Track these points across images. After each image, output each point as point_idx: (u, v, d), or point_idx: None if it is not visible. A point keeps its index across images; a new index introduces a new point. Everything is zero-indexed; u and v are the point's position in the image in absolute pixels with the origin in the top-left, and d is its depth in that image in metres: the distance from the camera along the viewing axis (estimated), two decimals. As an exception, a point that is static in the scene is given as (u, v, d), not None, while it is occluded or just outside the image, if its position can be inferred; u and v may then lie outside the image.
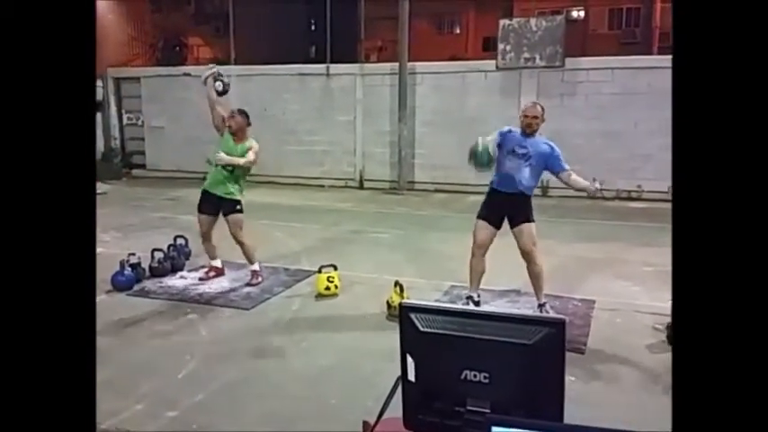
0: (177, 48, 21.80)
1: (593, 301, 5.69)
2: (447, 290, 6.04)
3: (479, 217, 5.26)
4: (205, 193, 6.25)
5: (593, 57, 14.10)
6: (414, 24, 16.63)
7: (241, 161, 5.98)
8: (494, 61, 12.91)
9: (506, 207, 5.11)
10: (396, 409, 1.82)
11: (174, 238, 7.02)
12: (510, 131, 5.17)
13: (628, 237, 8.69)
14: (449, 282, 6.18)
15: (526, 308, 5.46)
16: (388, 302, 5.30)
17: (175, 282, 6.36)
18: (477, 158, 4.98)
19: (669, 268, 1.48)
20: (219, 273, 6.48)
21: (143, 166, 16.24)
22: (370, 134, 14.11)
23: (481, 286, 5.45)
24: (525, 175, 5.08)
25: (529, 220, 5.15)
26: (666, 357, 4.44)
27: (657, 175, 11.51)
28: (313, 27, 24.40)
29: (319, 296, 5.86)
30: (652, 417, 3.48)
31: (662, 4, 19.57)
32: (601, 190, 5.14)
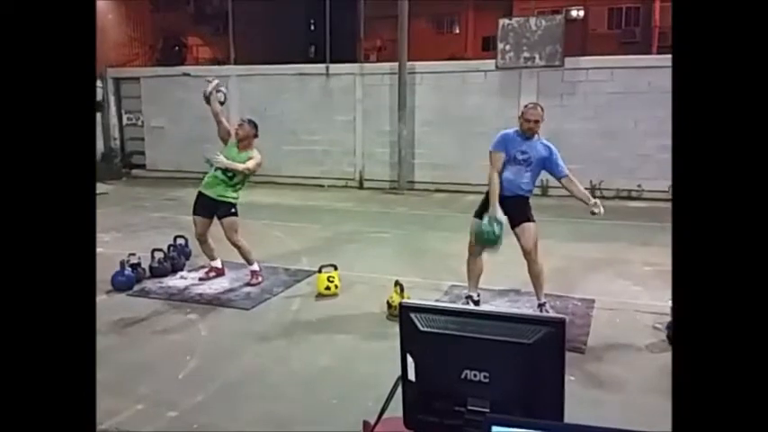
0: (177, 48, 21.81)
1: (593, 301, 5.69)
2: (447, 289, 6.04)
3: (477, 216, 5.26)
4: (200, 195, 6.25)
5: (592, 56, 14.10)
6: (413, 24, 16.63)
7: (239, 167, 5.98)
8: (493, 61, 12.91)
9: (505, 208, 5.11)
10: (396, 408, 1.82)
11: (174, 239, 7.02)
12: (512, 134, 5.16)
13: (627, 236, 8.69)
14: (449, 281, 6.19)
15: (526, 307, 5.47)
16: (388, 302, 5.31)
17: (175, 282, 6.36)
18: (485, 240, 5.05)
19: (669, 268, 1.48)
20: (219, 273, 6.48)
21: (143, 167, 16.25)
22: (370, 134, 14.11)
23: (481, 286, 5.45)
24: (525, 179, 5.15)
25: (529, 219, 5.16)
26: (666, 357, 4.45)
27: (657, 175, 11.52)
28: (312, 27, 24.40)
29: (319, 296, 5.87)
30: (652, 416, 3.48)
31: (661, 4, 19.59)
32: (597, 212, 5.17)
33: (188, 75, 15.50)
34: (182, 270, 6.70)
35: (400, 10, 13.41)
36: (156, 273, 6.47)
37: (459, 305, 4.93)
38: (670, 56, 1.49)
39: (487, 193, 5.23)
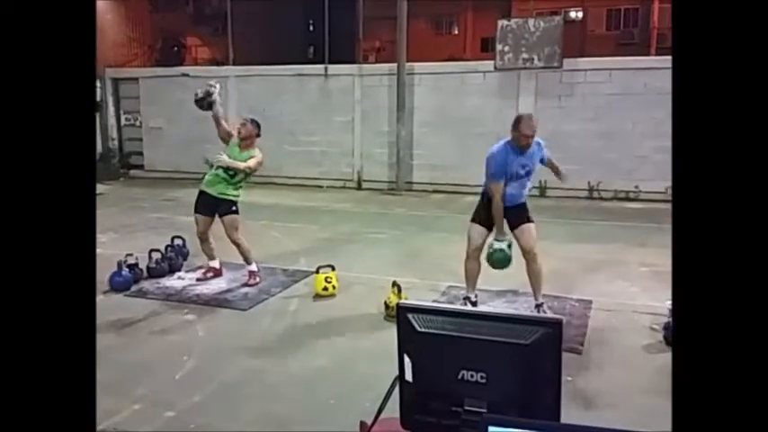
0: (175, 48, 21.77)
1: (591, 302, 5.70)
2: (444, 290, 6.04)
3: (474, 221, 5.26)
4: (202, 194, 6.27)
5: (591, 57, 14.12)
6: (412, 25, 16.64)
7: (241, 165, 5.99)
8: (492, 62, 12.91)
9: (507, 214, 5.10)
10: (393, 409, 1.82)
11: (172, 239, 7.02)
12: (507, 153, 4.96)
13: (625, 237, 8.70)
14: (446, 282, 6.19)
15: (523, 308, 5.47)
16: (385, 303, 5.31)
17: (173, 282, 6.36)
18: (499, 263, 5.12)
19: (666, 268, 1.49)
20: (217, 273, 6.48)
21: (141, 167, 16.24)
22: (369, 135, 14.11)
23: (479, 286, 5.45)
24: (527, 188, 5.17)
25: (529, 220, 5.17)
26: (663, 357, 4.45)
27: (654, 176, 11.53)
28: (311, 27, 24.40)
29: (317, 297, 5.87)
30: (649, 417, 3.49)
31: (660, 5, 19.60)
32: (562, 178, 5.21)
33: (187, 75, 15.49)
34: (179, 270, 6.70)
35: (399, 11, 13.42)
36: (154, 273, 6.46)
37: (457, 306, 4.94)
38: (668, 57, 1.50)
39: (483, 195, 5.23)
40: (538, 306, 5.27)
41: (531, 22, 12.57)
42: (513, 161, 4.95)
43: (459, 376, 1.69)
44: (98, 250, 6.93)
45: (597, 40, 23.39)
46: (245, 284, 6.22)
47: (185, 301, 5.77)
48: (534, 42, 12.31)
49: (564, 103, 12.62)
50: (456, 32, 29.57)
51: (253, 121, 6.19)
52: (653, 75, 11.56)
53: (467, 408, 1.68)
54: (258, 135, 6.20)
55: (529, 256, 5.14)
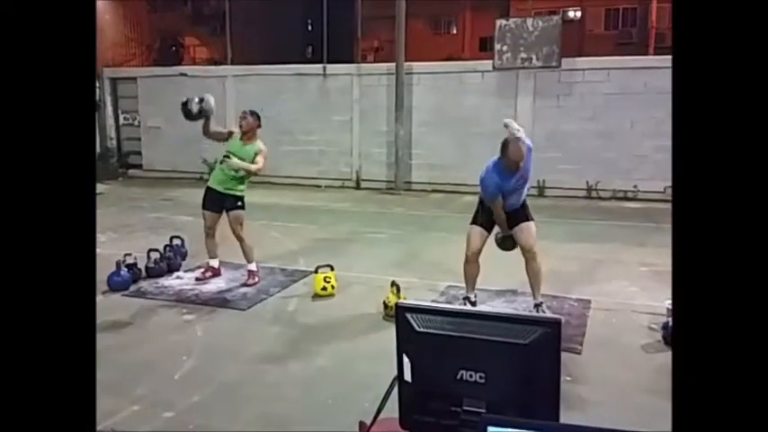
0: (174, 48, 21.76)
1: (589, 301, 5.71)
2: (443, 290, 6.05)
3: (474, 223, 5.26)
4: (209, 190, 6.30)
5: (589, 57, 14.12)
6: (410, 24, 16.63)
7: (252, 167, 6.03)
8: (490, 61, 12.91)
9: (506, 214, 5.12)
10: (392, 409, 1.82)
11: (171, 239, 7.01)
12: (499, 172, 4.94)
13: (624, 237, 8.70)
14: (445, 282, 6.19)
15: (522, 308, 5.47)
16: (384, 302, 5.31)
17: (171, 282, 6.35)
18: (506, 248, 5.26)
19: (665, 268, 1.49)
20: (216, 273, 6.48)
21: (139, 167, 16.22)
22: (367, 134, 14.11)
23: (478, 286, 5.46)
24: (524, 194, 5.19)
25: (528, 218, 5.17)
26: (662, 357, 4.46)
27: (653, 175, 11.55)
28: (310, 27, 24.36)
29: (316, 296, 5.87)
30: (648, 416, 3.50)
31: (658, 5, 19.60)
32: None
33: (185, 75, 15.49)
34: (178, 270, 6.69)
35: (397, 10, 13.42)
36: (152, 273, 6.46)
37: (456, 306, 4.94)
38: (667, 57, 1.51)
39: (481, 200, 5.25)
40: (537, 306, 5.27)
41: (529, 21, 12.58)
42: (506, 178, 4.96)
43: (458, 376, 1.69)
44: (97, 250, 6.95)
45: (595, 40, 23.41)
46: (244, 284, 6.22)
47: (184, 301, 5.77)
48: (533, 42, 12.31)
49: (562, 102, 12.62)
50: (454, 32, 29.57)
51: (252, 113, 6.22)
52: (651, 74, 11.56)
53: (466, 408, 1.68)
54: (259, 126, 6.23)
55: (528, 254, 5.14)
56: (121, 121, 16.55)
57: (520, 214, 5.17)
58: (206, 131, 6.16)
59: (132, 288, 6.09)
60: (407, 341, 1.75)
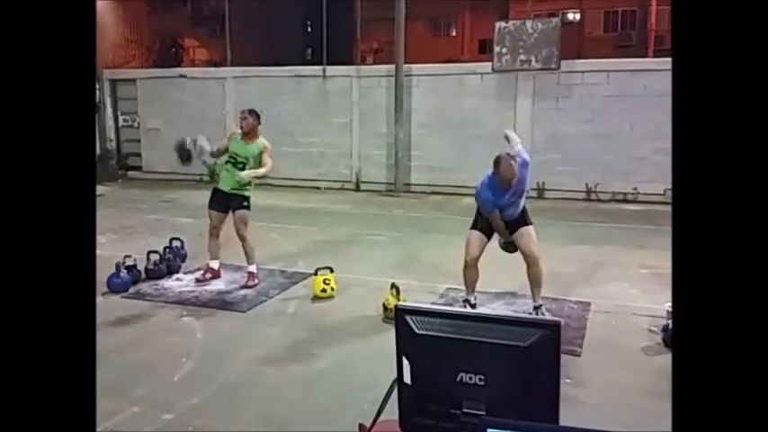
0: (173, 49, 21.77)
1: (589, 304, 5.70)
2: (443, 292, 6.04)
3: (474, 228, 5.26)
4: (216, 191, 6.37)
5: (588, 59, 14.13)
6: (410, 26, 16.63)
7: (262, 171, 6.10)
8: (490, 63, 12.91)
9: (505, 221, 5.14)
10: (392, 411, 1.82)
11: (170, 240, 7.01)
12: (493, 187, 4.97)
13: (623, 239, 8.70)
14: (444, 284, 6.19)
15: (522, 310, 5.47)
16: (384, 305, 5.31)
17: (171, 284, 6.35)
18: (509, 251, 5.30)
19: (664, 270, 1.49)
20: (215, 275, 6.48)
21: (139, 168, 16.21)
22: (367, 136, 14.10)
23: (478, 288, 5.45)
24: (522, 204, 5.20)
25: (527, 223, 5.17)
26: (662, 359, 4.46)
27: (653, 178, 11.54)
28: (309, 29, 24.37)
29: (315, 298, 5.86)
30: (648, 419, 3.50)
31: (657, 7, 19.60)
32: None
33: (184, 76, 15.49)
34: (177, 272, 6.69)
35: (397, 12, 13.41)
36: (152, 275, 6.46)
37: (456, 308, 4.94)
38: (666, 59, 1.51)
39: (477, 214, 5.28)
40: (536, 308, 5.27)
41: (528, 23, 12.58)
42: (500, 197, 5.00)
43: (458, 378, 1.69)
44: (97, 251, 6.96)
45: (595, 42, 23.43)
46: (244, 286, 6.22)
47: (184, 303, 5.77)
48: (532, 44, 12.32)
49: (561, 104, 12.62)
50: (454, 34, 29.59)
51: (251, 112, 6.26)
52: (651, 76, 11.56)
53: (465, 410, 1.68)
54: (258, 123, 6.28)
55: (530, 259, 5.13)
56: (121, 122, 16.54)
57: (518, 220, 5.17)
58: (216, 155, 6.36)
59: (132, 290, 6.09)
60: (407, 343, 1.75)
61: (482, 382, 1.67)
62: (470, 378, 1.68)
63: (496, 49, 12.65)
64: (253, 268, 6.32)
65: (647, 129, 11.75)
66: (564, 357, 1.69)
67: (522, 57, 12.41)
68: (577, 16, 25.13)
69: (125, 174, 16.12)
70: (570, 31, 21.26)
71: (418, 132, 13.67)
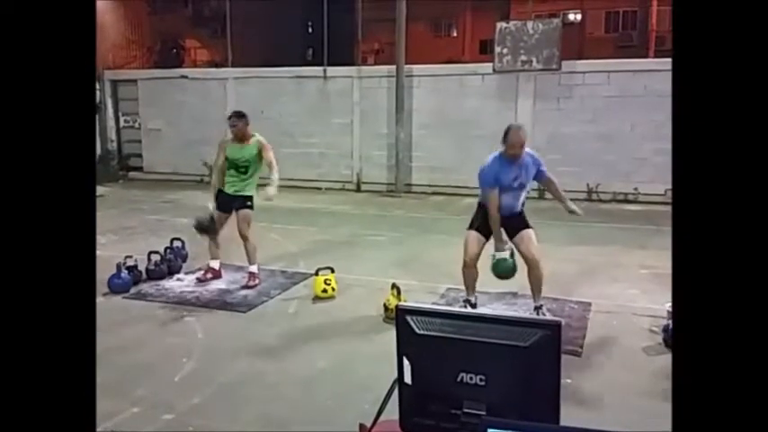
0: (174, 50, 21.78)
1: (590, 304, 5.70)
2: (444, 292, 6.04)
3: (471, 228, 5.25)
4: (220, 192, 6.38)
5: (589, 60, 14.13)
6: (411, 27, 16.63)
7: (275, 177, 6.12)
8: (491, 64, 12.92)
9: (504, 222, 5.11)
10: (392, 411, 1.82)
11: (171, 241, 7.01)
12: (499, 164, 4.99)
13: (624, 239, 8.70)
14: (445, 284, 6.19)
15: (523, 310, 5.47)
16: (384, 305, 5.31)
17: (172, 284, 6.35)
18: (504, 272, 5.15)
19: (665, 271, 1.49)
20: (216, 275, 6.48)
21: (140, 169, 16.22)
22: (368, 137, 14.11)
23: (478, 289, 5.45)
24: (521, 199, 5.18)
25: (527, 226, 5.16)
26: (663, 359, 4.46)
27: (653, 178, 11.54)
28: (310, 30, 24.37)
29: (316, 299, 5.86)
30: (648, 419, 3.50)
31: (658, 8, 19.60)
32: (574, 211, 5.20)
33: (185, 77, 15.50)
34: (178, 272, 6.69)
35: (398, 13, 13.42)
36: (153, 275, 6.46)
37: (456, 308, 4.94)
38: (667, 59, 1.51)
39: (479, 205, 5.24)
40: (537, 308, 5.27)
41: (529, 24, 12.59)
42: (505, 171, 4.98)
43: (459, 379, 1.69)
44: (97, 252, 6.95)
45: (595, 43, 23.42)
46: (245, 286, 6.22)
47: (184, 303, 5.77)
48: (533, 45, 12.32)
49: (562, 105, 12.62)
50: (455, 35, 29.59)
51: (238, 115, 6.24)
52: (651, 77, 11.56)
53: (466, 410, 1.68)
54: (247, 124, 6.24)
55: (531, 263, 5.12)
56: (122, 123, 16.55)
57: (519, 222, 5.15)
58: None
59: (133, 290, 6.09)
60: (408, 343, 1.75)
61: (483, 383, 1.67)
62: (471, 378, 1.68)
63: (497, 49, 12.65)
64: (254, 268, 6.32)
65: (648, 129, 11.75)
66: (564, 357, 1.69)
67: (523, 57, 12.42)
68: (578, 17, 25.14)
69: (126, 174, 16.14)
70: (571, 31, 21.26)
71: (419, 133, 13.67)
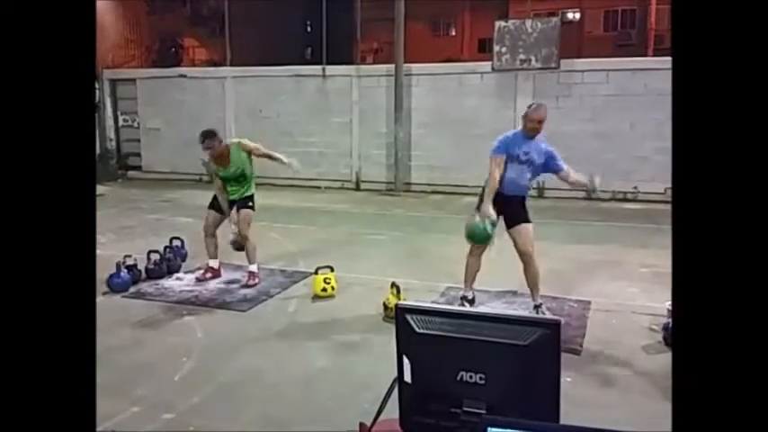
0: (173, 49, 21.77)
1: (589, 302, 5.70)
2: (443, 291, 6.04)
3: (478, 209, 5.24)
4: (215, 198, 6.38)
5: (588, 58, 14.13)
6: (409, 26, 16.62)
7: (282, 157, 6.16)
8: (489, 63, 12.92)
9: (504, 208, 5.11)
10: (392, 410, 1.82)
11: (170, 240, 7.01)
12: (513, 136, 5.15)
13: (623, 238, 8.70)
14: (445, 283, 6.19)
15: (522, 309, 5.47)
16: (384, 304, 5.31)
17: (171, 283, 6.35)
18: (477, 238, 5.12)
19: (665, 269, 1.49)
20: (216, 274, 6.48)
21: (139, 168, 16.22)
22: (367, 136, 14.11)
23: (478, 287, 5.45)
24: (526, 179, 5.16)
25: (527, 220, 5.16)
26: (663, 358, 4.46)
27: (653, 177, 11.55)
28: (309, 29, 24.39)
29: (316, 298, 5.86)
30: (648, 418, 3.50)
31: (657, 6, 19.60)
32: (597, 189, 5.20)
33: (184, 76, 15.50)
34: (178, 272, 6.69)
35: (397, 12, 13.42)
36: (152, 274, 6.46)
37: (456, 307, 4.94)
38: (666, 58, 1.51)
39: (482, 193, 5.22)
40: (536, 307, 5.27)
41: (528, 23, 12.59)
42: (517, 144, 5.08)
43: (458, 377, 1.69)
44: (97, 251, 6.96)
45: (594, 42, 23.43)
46: (245, 285, 6.22)
47: (184, 303, 5.77)
48: (531, 43, 12.33)
49: (561, 103, 12.62)
50: (453, 34, 29.59)
51: (209, 135, 6.00)
52: (651, 76, 11.57)
53: (466, 409, 1.68)
54: (221, 141, 6.06)
55: (525, 258, 5.13)
56: (121, 122, 16.55)
57: (520, 214, 5.15)
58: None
59: (132, 289, 6.09)
60: (407, 342, 1.76)
61: (482, 381, 1.68)
62: (471, 377, 1.68)
63: (496, 48, 12.65)
64: (253, 267, 6.32)
65: (648, 128, 11.75)
66: (564, 356, 1.69)
67: (522, 56, 12.42)
68: (577, 15, 25.14)
69: (125, 173, 16.14)
70: (570, 30, 21.26)
71: (418, 132, 13.68)
